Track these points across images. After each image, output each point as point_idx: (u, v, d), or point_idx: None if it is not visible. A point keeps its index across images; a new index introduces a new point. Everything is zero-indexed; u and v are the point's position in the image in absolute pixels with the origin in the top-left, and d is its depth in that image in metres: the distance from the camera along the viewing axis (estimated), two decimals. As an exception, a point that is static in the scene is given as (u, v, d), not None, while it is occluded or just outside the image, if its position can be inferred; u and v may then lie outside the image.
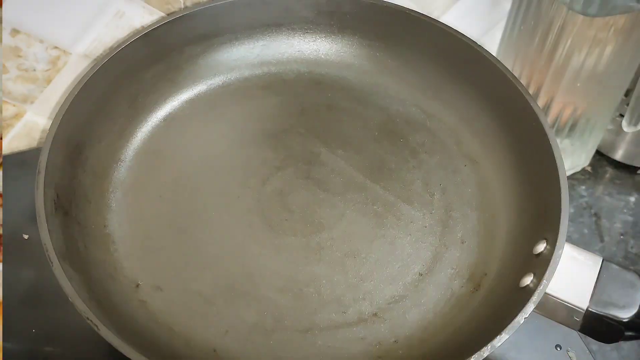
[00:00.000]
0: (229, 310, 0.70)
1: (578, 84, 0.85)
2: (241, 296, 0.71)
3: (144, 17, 0.86)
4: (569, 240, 0.68)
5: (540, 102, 0.88)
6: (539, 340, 0.77)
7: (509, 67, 0.85)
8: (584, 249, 0.68)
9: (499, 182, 0.80)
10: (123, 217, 0.76)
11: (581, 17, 0.78)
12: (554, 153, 0.73)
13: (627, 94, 0.91)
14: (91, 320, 0.60)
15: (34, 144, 0.91)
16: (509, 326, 0.61)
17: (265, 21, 0.90)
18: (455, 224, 0.78)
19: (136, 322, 0.67)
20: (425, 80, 0.88)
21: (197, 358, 0.66)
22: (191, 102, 0.87)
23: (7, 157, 0.89)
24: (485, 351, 0.60)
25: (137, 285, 0.71)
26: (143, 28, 0.85)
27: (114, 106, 0.81)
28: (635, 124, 0.86)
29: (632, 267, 0.70)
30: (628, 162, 0.98)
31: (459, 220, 0.78)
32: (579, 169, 0.98)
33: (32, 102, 0.86)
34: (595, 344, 0.77)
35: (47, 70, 0.84)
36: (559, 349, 0.77)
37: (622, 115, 0.92)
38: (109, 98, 0.80)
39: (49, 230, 0.65)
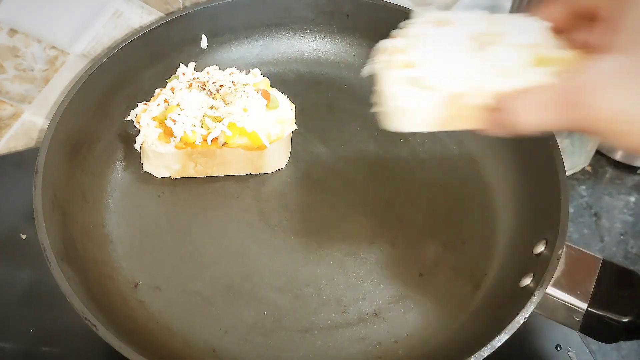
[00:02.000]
0: (228, 310, 0.70)
1: (578, 84, 0.84)
2: (240, 296, 0.71)
3: (143, 17, 0.86)
4: (569, 240, 0.68)
5: (540, 102, 0.88)
6: (539, 340, 0.77)
7: (509, 67, 0.85)
8: (584, 249, 0.68)
9: (499, 182, 0.80)
10: (121, 217, 0.75)
11: (581, 16, 0.78)
12: (554, 153, 0.73)
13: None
14: (89, 320, 0.60)
15: (31, 144, 0.90)
16: (509, 326, 0.61)
17: (265, 21, 0.90)
18: (455, 224, 0.78)
19: (135, 322, 0.67)
20: (425, 80, 0.88)
21: (196, 358, 0.66)
22: (190, 102, 0.86)
23: (4, 157, 0.89)
24: (485, 351, 0.60)
25: (136, 285, 0.70)
26: (141, 28, 0.85)
27: (112, 106, 0.81)
28: (635, 124, 0.86)
29: (632, 267, 0.70)
30: (628, 162, 0.98)
31: (459, 220, 0.78)
32: (579, 169, 0.97)
33: (30, 102, 0.86)
34: (595, 344, 0.76)
35: (45, 70, 0.84)
36: (559, 349, 0.76)
37: (621, 116, 0.91)
38: (108, 98, 0.80)
39: (47, 230, 0.65)
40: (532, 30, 0.57)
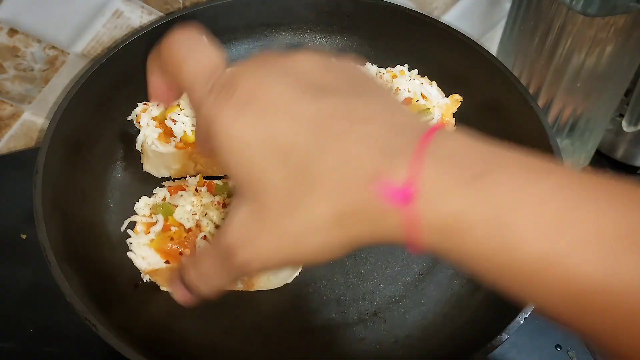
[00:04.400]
0: (228, 310, 0.69)
1: (578, 84, 0.85)
2: (240, 296, 0.70)
3: (143, 17, 0.86)
4: (569, 240, 0.68)
5: (540, 102, 0.88)
6: (539, 340, 0.77)
7: (509, 67, 0.85)
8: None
9: (499, 182, 0.80)
10: (121, 217, 0.75)
11: (581, 17, 0.78)
12: (554, 153, 0.73)
13: (627, 94, 0.91)
14: (89, 321, 0.60)
15: (31, 143, 0.90)
16: (509, 326, 0.61)
17: (265, 21, 0.90)
18: (455, 224, 0.77)
19: (135, 322, 0.67)
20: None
21: (196, 358, 0.66)
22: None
23: (4, 157, 0.89)
24: (485, 351, 0.60)
25: (136, 285, 0.70)
26: (141, 28, 0.85)
27: (112, 106, 0.80)
28: (635, 124, 0.86)
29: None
30: (628, 162, 0.98)
31: (459, 220, 0.78)
32: (579, 169, 0.98)
33: (30, 102, 0.86)
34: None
35: (45, 70, 0.84)
36: (559, 349, 0.76)
37: (622, 115, 0.92)
38: (108, 98, 0.80)
39: (47, 230, 0.65)
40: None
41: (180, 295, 0.49)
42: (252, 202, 0.42)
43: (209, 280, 0.47)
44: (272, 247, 0.42)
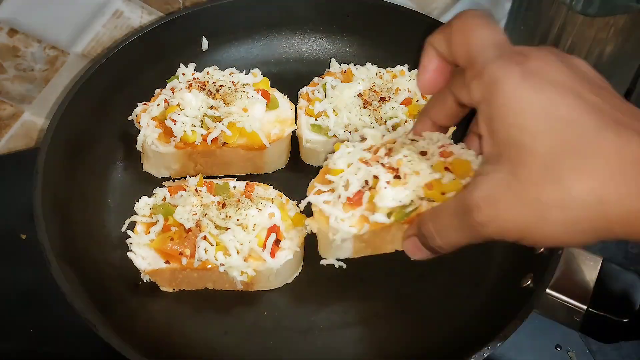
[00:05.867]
0: (228, 310, 0.69)
1: (578, 84, 0.85)
2: (241, 296, 0.71)
3: (143, 17, 0.86)
4: (569, 240, 0.68)
5: (540, 102, 0.88)
6: (539, 340, 0.77)
7: (509, 67, 0.85)
8: (584, 249, 0.68)
9: (499, 182, 0.80)
10: (121, 217, 0.75)
11: (581, 17, 0.78)
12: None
13: (627, 94, 0.91)
14: (89, 321, 0.60)
15: (32, 144, 0.90)
16: (509, 326, 0.61)
17: (265, 21, 0.90)
18: (455, 224, 0.77)
19: (135, 322, 0.67)
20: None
21: (196, 358, 0.66)
22: (190, 102, 0.86)
23: (4, 157, 0.89)
24: (485, 351, 0.60)
25: (136, 285, 0.70)
26: (142, 28, 0.85)
27: (112, 106, 0.80)
28: (635, 124, 0.86)
29: (632, 267, 0.70)
30: (628, 162, 0.98)
31: (459, 220, 0.78)
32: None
33: (30, 102, 0.86)
34: (595, 344, 0.76)
35: (45, 70, 0.84)
36: (559, 349, 0.76)
37: (621, 116, 0.92)
38: (108, 98, 0.80)
39: (47, 230, 0.65)
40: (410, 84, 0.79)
41: (412, 249, 0.55)
42: (507, 166, 0.45)
43: (444, 233, 0.51)
44: (514, 212, 0.45)
